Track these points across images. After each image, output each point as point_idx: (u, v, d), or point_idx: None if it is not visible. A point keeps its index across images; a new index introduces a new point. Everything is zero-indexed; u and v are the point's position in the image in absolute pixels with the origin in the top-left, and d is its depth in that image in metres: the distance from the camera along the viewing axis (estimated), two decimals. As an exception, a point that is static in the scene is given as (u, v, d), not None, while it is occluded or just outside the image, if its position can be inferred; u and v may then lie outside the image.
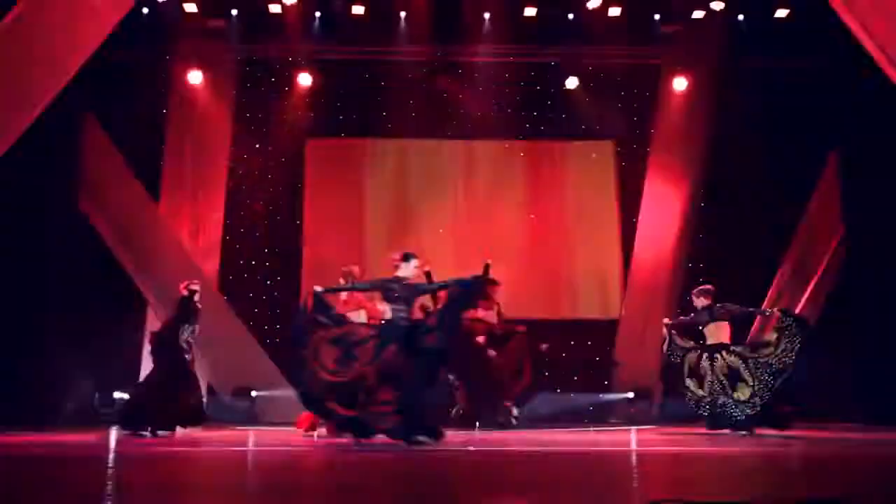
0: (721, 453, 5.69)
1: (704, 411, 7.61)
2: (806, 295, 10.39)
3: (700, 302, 7.75)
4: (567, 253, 11.44)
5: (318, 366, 6.11)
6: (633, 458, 5.32)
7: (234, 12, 10.68)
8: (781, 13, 10.45)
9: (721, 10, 10.56)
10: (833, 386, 9.41)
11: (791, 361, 7.18)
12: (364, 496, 3.46)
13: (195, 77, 10.93)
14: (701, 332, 7.75)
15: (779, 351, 7.23)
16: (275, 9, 10.46)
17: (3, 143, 7.65)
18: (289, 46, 11.15)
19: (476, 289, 6.27)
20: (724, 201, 10.98)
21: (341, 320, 6.46)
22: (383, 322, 6.36)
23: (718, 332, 7.56)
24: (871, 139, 9.32)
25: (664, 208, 11.08)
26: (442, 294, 6.85)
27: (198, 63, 11.00)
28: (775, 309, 7.82)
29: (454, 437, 7.20)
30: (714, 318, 7.59)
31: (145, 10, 10.21)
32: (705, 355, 7.58)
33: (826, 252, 10.34)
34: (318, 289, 6.43)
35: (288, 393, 9.97)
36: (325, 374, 6.08)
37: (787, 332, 7.26)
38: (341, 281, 7.67)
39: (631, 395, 10.48)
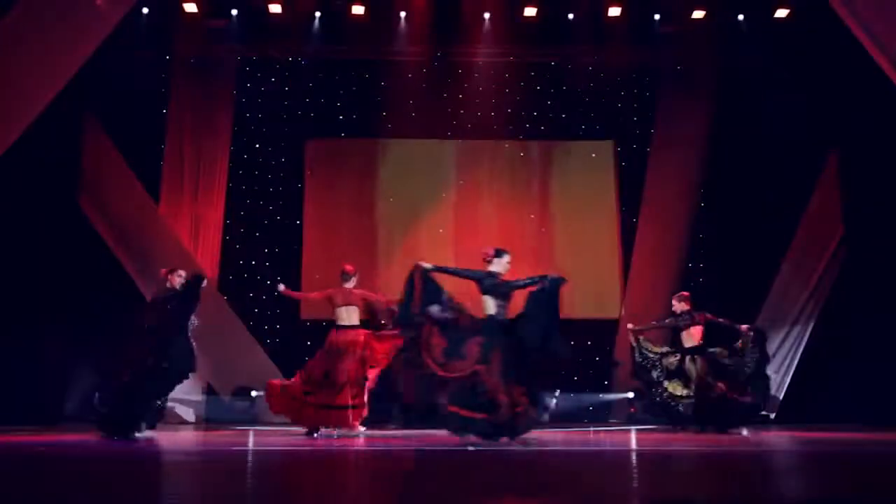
0: (720, 452, 5.69)
1: (688, 410, 8.04)
2: (806, 295, 10.39)
3: (680, 307, 8.35)
4: (567, 253, 11.43)
5: (430, 357, 6.06)
6: (633, 458, 5.31)
7: (234, 12, 10.67)
8: (781, 13, 10.44)
9: (721, 10, 10.57)
10: (833, 386, 9.41)
11: (749, 371, 8.05)
12: (363, 496, 3.46)
13: (195, 77, 10.94)
14: (678, 335, 8.37)
15: (743, 360, 8.07)
16: (275, 9, 10.46)
17: (2, 143, 7.65)
18: (289, 46, 11.16)
19: (560, 286, 6.34)
20: (724, 201, 10.98)
21: (452, 303, 6.31)
22: (487, 317, 6.28)
23: (695, 336, 8.20)
24: (871, 139, 9.31)
25: (664, 208, 11.08)
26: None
27: (198, 63, 11.02)
28: (747, 327, 8.32)
29: (453, 436, 7.21)
30: (694, 323, 8.19)
31: (145, 10, 10.21)
32: (688, 357, 8.13)
33: (826, 252, 10.34)
34: (427, 266, 6.35)
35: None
36: (437, 368, 6.03)
37: (752, 347, 8.11)
38: (349, 283, 7.70)
39: (631, 395, 10.47)
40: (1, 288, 8.52)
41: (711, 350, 8.19)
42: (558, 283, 6.34)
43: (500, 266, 6.42)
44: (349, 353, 7.43)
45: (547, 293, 6.31)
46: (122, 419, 6.66)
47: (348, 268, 7.78)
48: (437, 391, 6.06)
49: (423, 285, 6.28)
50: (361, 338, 7.50)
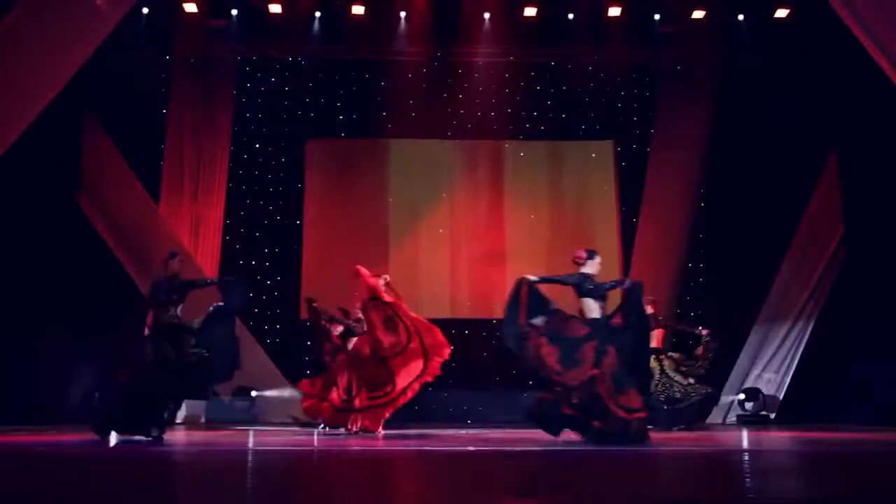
0: (720, 452, 5.69)
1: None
2: (806, 295, 10.39)
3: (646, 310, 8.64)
4: (567, 253, 11.38)
5: (546, 368, 6.05)
6: (634, 458, 5.31)
7: (234, 12, 10.67)
8: (781, 13, 10.44)
9: (721, 10, 10.57)
10: (833, 386, 9.41)
11: (702, 373, 8.77)
12: (364, 496, 3.46)
13: (195, 77, 10.94)
14: None
15: (697, 364, 8.76)
16: (275, 9, 10.46)
17: (2, 143, 7.65)
18: (289, 46, 11.16)
19: (640, 292, 6.45)
20: (724, 201, 10.98)
21: (556, 311, 6.32)
22: (591, 320, 6.25)
23: (656, 338, 8.67)
24: (871, 139, 9.31)
25: (664, 208, 11.08)
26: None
27: (198, 63, 11.02)
28: (708, 332, 8.93)
29: (454, 437, 7.21)
30: (658, 325, 8.74)
31: (145, 10, 10.22)
32: (651, 357, 8.39)
33: (826, 252, 10.33)
34: (533, 278, 6.36)
35: (287, 393, 9.95)
36: (556, 376, 6.03)
37: (708, 353, 8.83)
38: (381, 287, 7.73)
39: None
40: (1, 288, 8.52)
41: (671, 354, 8.82)
42: (639, 288, 6.39)
43: (593, 267, 6.42)
44: (367, 359, 7.57)
45: (635, 302, 6.37)
46: (120, 419, 6.41)
47: (385, 277, 7.88)
48: (559, 397, 6.07)
49: (528, 298, 6.30)
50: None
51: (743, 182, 10.73)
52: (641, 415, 5.97)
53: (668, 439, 7.02)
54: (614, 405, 5.90)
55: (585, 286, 6.32)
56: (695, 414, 8.60)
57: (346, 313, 8.28)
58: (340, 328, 8.17)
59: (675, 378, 8.53)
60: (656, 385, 8.39)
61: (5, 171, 7.86)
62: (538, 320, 6.23)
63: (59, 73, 8.16)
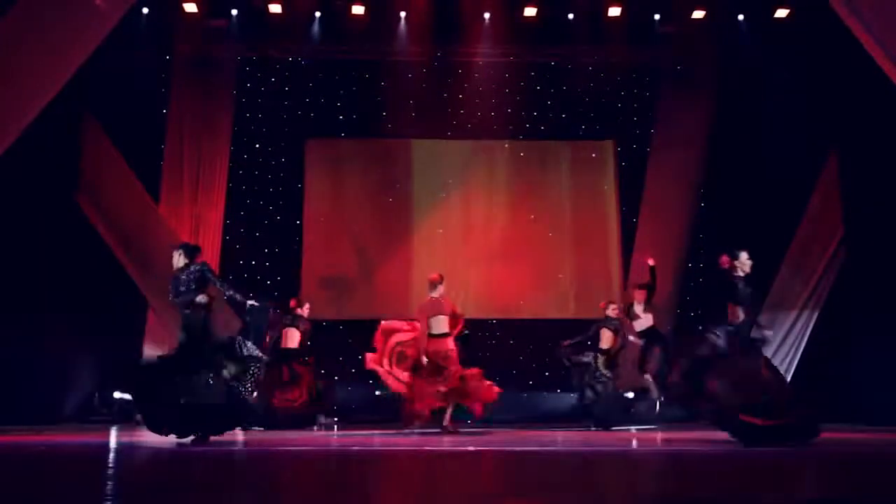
0: (720, 452, 5.69)
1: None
2: (806, 295, 10.39)
3: (613, 312, 9.13)
4: (567, 253, 11.44)
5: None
6: (634, 458, 5.31)
7: (234, 12, 10.68)
8: (781, 13, 10.45)
9: (721, 10, 10.57)
10: (833, 386, 9.41)
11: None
12: (364, 495, 3.46)
13: (195, 77, 10.94)
14: (597, 335, 9.11)
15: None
16: (275, 9, 10.46)
17: (2, 143, 7.64)
18: (289, 46, 11.16)
19: None
20: (724, 201, 10.98)
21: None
22: (739, 324, 6.09)
23: (608, 340, 9.00)
24: (871, 139, 9.31)
25: (664, 208, 11.08)
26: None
27: (198, 63, 11.02)
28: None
29: (454, 437, 7.21)
30: (605, 327, 9.02)
31: (145, 10, 10.22)
32: (601, 357, 8.94)
33: (826, 252, 10.33)
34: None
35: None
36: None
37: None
38: (435, 293, 7.81)
39: (631, 394, 10.46)
40: (1, 288, 8.51)
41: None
42: None
43: (745, 267, 6.08)
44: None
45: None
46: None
47: (433, 277, 7.86)
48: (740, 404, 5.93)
49: None
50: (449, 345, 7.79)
51: (743, 182, 10.72)
52: (806, 412, 5.92)
53: (667, 440, 7.03)
54: (785, 403, 5.83)
55: (745, 292, 6.05)
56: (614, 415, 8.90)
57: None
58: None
59: (607, 377, 8.90)
60: (605, 384, 8.80)
61: (5, 171, 7.85)
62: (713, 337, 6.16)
63: (59, 73, 8.15)
